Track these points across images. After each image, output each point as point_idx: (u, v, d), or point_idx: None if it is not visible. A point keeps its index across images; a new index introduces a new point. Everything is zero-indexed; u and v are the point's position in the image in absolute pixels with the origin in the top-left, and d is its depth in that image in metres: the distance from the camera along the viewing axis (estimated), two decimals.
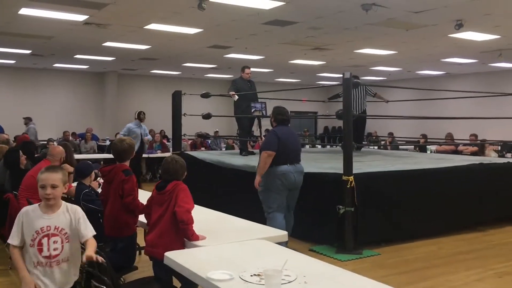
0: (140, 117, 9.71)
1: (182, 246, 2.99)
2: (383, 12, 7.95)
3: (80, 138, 13.84)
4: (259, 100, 8.22)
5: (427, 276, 4.54)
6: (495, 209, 6.71)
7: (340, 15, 8.27)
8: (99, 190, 4.27)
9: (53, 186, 2.64)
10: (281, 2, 7.45)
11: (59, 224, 2.66)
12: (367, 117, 9.46)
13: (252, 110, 7.55)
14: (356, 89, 8.36)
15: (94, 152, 12.68)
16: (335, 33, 9.79)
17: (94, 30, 9.64)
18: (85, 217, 2.76)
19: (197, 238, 2.98)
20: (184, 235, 3.00)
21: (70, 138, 13.35)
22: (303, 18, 8.55)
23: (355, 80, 6.04)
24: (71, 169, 5.07)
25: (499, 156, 10.85)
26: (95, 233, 2.73)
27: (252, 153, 8.31)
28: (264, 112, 7.75)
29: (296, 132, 5.77)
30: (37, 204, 2.75)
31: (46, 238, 2.62)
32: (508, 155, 10.80)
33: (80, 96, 17.57)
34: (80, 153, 12.10)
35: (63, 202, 2.78)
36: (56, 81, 17.09)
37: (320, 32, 9.72)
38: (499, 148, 12.60)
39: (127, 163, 3.68)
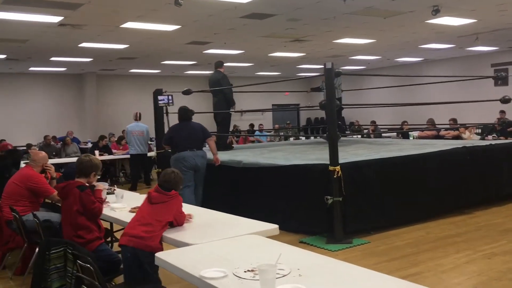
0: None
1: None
2: (361, 1, 7.95)
3: (61, 142, 13.62)
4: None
5: (417, 261, 4.58)
6: (480, 190, 6.80)
7: (318, 6, 8.25)
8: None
9: None
10: None
11: None
12: (349, 106, 9.51)
13: (161, 101, 7.91)
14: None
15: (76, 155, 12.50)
16: (314, 24, 9.78)
17: (69, 31, 9.46)
18: None
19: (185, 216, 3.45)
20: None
21: (52, 142, 13.12)
22: (281, 10, 8.51)
23: (337, 70, 6.04)
24: (54, 173, 4.99)
25: (480, 139, 11.00)
26: None
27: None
28: (171, 103, 8.06)
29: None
30: None
31: None
32: (489, 137, 10.95)
33: (58, 99, 17.28)
34: (61, 157, 11.95)
35: None
36: (33, 85, 16.74)
37: (299, 23, 9.70)
38: (480, 130, 12.78)
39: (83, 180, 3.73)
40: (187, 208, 3.61)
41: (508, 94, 8.31)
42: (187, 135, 6.37)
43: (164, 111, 8.01)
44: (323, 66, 5.70)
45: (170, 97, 8.00)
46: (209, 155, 6.63)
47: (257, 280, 2.10)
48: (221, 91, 8.00)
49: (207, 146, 6.61)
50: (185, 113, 6.64)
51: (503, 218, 6.20)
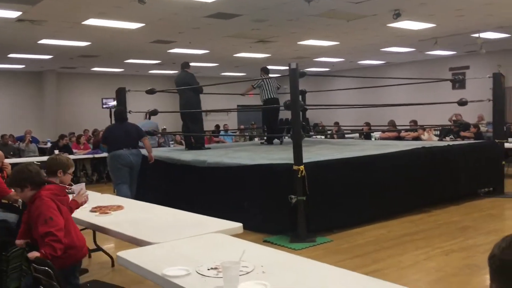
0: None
1: None
2: (325, 3, 8.07)
3: (19, 142, 13.17)
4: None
5: (378, 259, 4.68)
6: (438, 190, 7.01)
7: (283, 7, 8.32)
8: None
9: None
10: None
11: None
12: (313, 107, 9.64)
13: (105, 106, 8.22)
14: (269, 79, 8.63)
15: (35, 155, 12.14)
16: (279, 25, 9.85)
17: (28, 27, 9.18)
18: None
19: None
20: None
21: (9, 142, 12.67)
22: (246, 10, 8.52)
23: (302, 71, 6.09)
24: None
25: (439, 140, 11.34)
26: None
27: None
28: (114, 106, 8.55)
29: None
30: None
31: None
32: (447, 138, 11.30)
33: (16, 98, 16.70)
34: (20, 156, 11.58)
35: None
36: None
37: (264, 24, 9.75)
38: (438, 132, 13.18)
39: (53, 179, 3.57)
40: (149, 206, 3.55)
41: (465, 97, 8.62)
42: (122, 135, 6.75)
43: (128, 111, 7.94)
44: (287, 67, 5.73)
45: (114, 101, 8.32)
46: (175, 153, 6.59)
47: (220, 278, 2.09)
48: (191, 90, 7.96)
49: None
50: (120, 114, 7.04)
51: (460, 216, 6.42)
